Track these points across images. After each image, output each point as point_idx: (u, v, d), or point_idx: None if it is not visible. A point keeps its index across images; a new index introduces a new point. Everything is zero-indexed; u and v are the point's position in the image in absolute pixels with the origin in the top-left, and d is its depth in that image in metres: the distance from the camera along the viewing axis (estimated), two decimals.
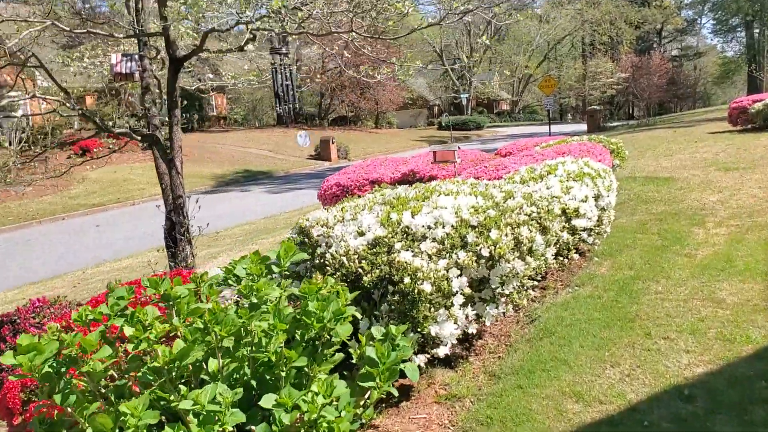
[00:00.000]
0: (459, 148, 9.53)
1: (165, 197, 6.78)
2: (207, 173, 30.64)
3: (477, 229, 4.69)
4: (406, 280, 4.32)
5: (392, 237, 4.64)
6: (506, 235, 4.64)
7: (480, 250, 4.52)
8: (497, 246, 4.54)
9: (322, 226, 5.11)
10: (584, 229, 6.63)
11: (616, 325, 5.28)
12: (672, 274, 6.44)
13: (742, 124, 19.29)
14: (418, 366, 4.34)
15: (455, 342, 4.49)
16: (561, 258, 6.61)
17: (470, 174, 8.93)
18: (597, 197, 7.02)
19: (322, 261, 4.77)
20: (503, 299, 4.80)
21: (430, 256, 4.52)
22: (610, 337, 5.08)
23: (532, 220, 5.07)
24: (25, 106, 34.13)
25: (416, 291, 4.27)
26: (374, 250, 4.64)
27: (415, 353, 4.38)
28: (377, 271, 4.47)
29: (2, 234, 20.43)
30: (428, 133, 48.23)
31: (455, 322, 4.41)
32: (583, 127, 40.53)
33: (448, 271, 4.42)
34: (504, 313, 4.84)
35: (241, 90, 53.51)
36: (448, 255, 4.51)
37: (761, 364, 4.42)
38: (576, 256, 6.97)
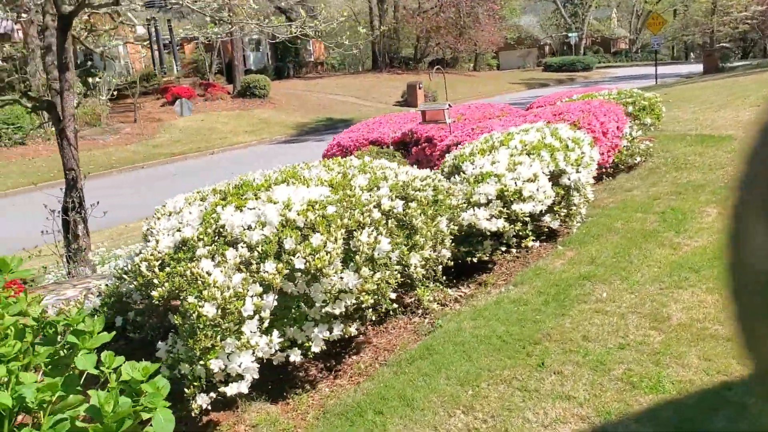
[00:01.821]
0: (449, 106, 8.32)
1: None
2: (290, 122, 30.32)
3: (303, 232, 3.71)
4: (190, 299, 3.44)
5: (201, 239, 3.75)
6: (335, 240, 3.64)
7: (294, 260, 3.55)
8: (316, 256, 3.54)
9: (159, 219, 4.29)
10: (530, 215, 5.42)
11: (512, 348, 4.18)
12: (634, 274, 5.16)
13: None
14: (205, 408, 3.49)
15: (256, 377, 3.57)
16: (500, 251, 5.48)
17: (455, 138, 7.77)
18: (558, 174, 5.75)
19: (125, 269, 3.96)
20: (338, 320, 3.81)
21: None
22: (490, 366, 4.00)
23: (390, 217, 4.01)
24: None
25: (196, 314, 3.38)
26: (177, 255, 3.78)
27: (205, 391, 3.51)
28: (169, 284, 3.61)
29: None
30: (529, 76, 45.68)
31: (254, 352, 3.50)
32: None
33: (246, 289, 3.49)
34: (343, 334, 3.86)
35: (340, 34, 52.79)
36: (257, 265, 3.58)
37: (648, 430, 3.25)
38: (535, 244, 5.80)
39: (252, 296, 3.46)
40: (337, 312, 3.67)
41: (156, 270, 3.74)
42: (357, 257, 3.69)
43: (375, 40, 44.18)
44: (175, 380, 3.57)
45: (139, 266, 3.78)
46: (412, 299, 5.07)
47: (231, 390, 3.45)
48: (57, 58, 5.52)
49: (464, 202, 5.37)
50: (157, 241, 3.87)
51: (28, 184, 20.32)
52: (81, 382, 3.31)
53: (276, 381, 4.08)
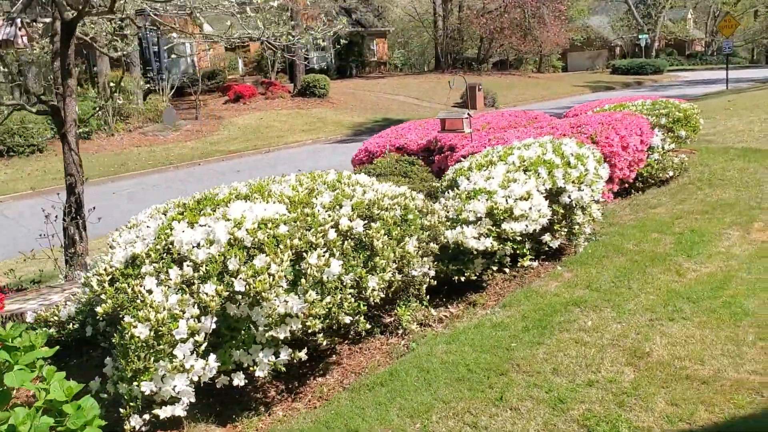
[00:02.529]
0: (469, 115, 8.06)
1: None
2: (347, 121, 30.39)
3: (251, 252, 3.61)
4: (127, 318, 3.39)
5: (148, 255, 3.69)
6: (280, 262, 3.52)
7: (235, 282, 3.45)
8: (258, 278, 3.43)
9: (121, 231, 4.26)
10: (522, 234, 5.17)
11: (476, 378, 3.97)
12: (628, 302, 4.85)
13: None
14: (139, 430, 3.42)
15: (192, 400, 3.48)
16: (492, 270, 5.26)
17: (472, 148, 7.55)
18: (557, 192, 5.47)
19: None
20: (284, 345, 3.69)
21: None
22: (448, 397, 3.81)
23: (348, 238, 3.85)
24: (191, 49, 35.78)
25: (129, 335, 3.32)
26: (127, 270, 3.74)
27: (140, 412, 3.43)
28: (113, 301, 3.57)
29: (139, 177, 21.35)
30: (595, 78, 44.45)
31: (190, 376, 3.41)
32: None
33: (183, 310, 3.41)
34: (291, 359, 3.72)
35: (407, 33, 52.66)
36: (198, 285, 3.49)
37: None
38: (533, 264, 5.55)
39: (188, 318, 3.37)
40: (281, 336, 3.55)
41: (105, 285, 3.70)
42: (303, 280, 3.55)
43: (438, 41, 43.91)
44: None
45: (90, 280, 3.74)
46: (393, 319, 4.90)
47: (164, 413, 3.37)
48: (60, 64, 5.58)
49: (450, 220, 5.17)
50: (112, 256, 3.84)
51: (88, 178, 20.89)
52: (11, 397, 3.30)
53: (229, 402, 3.99)
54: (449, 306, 5.24)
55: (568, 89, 38.96)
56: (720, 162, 9.07)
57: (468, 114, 7.96)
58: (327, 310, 3.63)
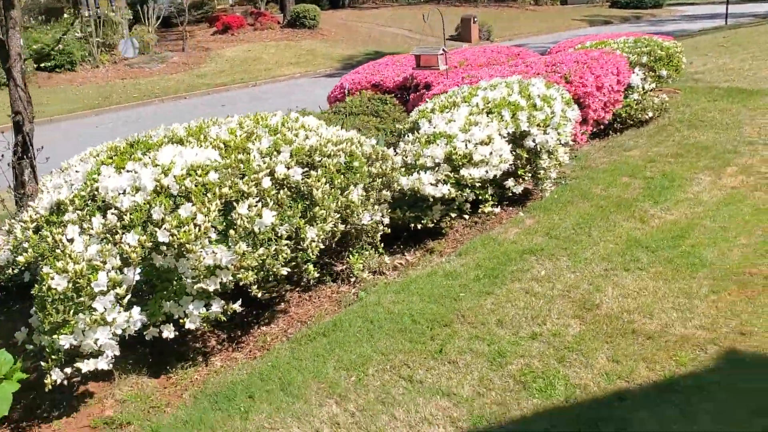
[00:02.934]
0: (444, 51, 7.75)
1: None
2: (337, 54, 29.73)
3: (177, 201, 3.43)
4: (45, 269, 3.23)
5: (72, 202, 3.52)
6: (207, 212, 3.35)
7: (158, 233, 3.28)
8: (182, 229, 3.27)
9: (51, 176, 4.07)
10: (482, 180, 4.99)
11: (418, 330, 3.87)
12: (585, 251, 4.71)
13: None
14: (67, 383, 3.30)
15: (116, 353, 3.35)
16: (450, 217, 5.10)
17: (444, 87, 7.28)
18: (522, 136, 5.26)
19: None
20: (216, 296, 3.55)
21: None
22: (387, 349, 3.71)
23: (284, 187, 3.66)
24: None
25: (46, 287, 3.18)
26: (52, 218, 3.57)
27: (61, 366, 3.30)
28: (34, 250, 3.41)
29: (123, 111, 20.94)
30: (594, 12, 43.29)
31: (111, 328, 3.27)
32: None
33: (105, 262, 3.25)
34: (224, 311, 3.58)
35: None
36: (121, 236, 3.33)
37: None
38: (495, 210, 5.39)
39: (110, 270, 3.22)
40: (211, 289, 3.41)
41: (30, 232, 3.53)
42: (232, 231, 3.38)
43: None
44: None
45: (14, 227, 3.58)
46: (346, 266, 4.76)
47: (87, 366, 3.25)
48: None
49: (408, 165, 4.98)
50: (39, 201, 3.66)
51: (71, 111, 20.61)
52: None
53: (168, 352, 3.88)
54: (406, 253, 5.10)
55: (566, 23, 38.02)
56: (703, 102, 8.80)
57: (443, 50, 7.65)
58: (261, 261, 3.48)
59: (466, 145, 4.88)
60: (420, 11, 40.37)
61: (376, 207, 4.48)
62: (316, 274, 4.14)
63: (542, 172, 5.51)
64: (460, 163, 4.86)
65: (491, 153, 4.94)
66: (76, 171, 3.77)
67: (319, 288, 4.63)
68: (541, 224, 5.26)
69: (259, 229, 3.45)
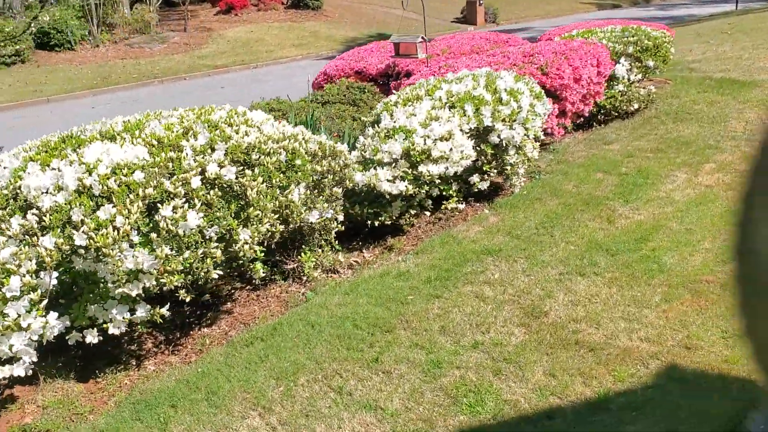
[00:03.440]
0: (423, 39, 7.54)
1: None
2: (340, 36, 29.45)
3: (99, 201, 3.29)
4: None
5: None
6: (128, 214, 3.20)
7: (75, 236, 3.15)
8: (99, 232, 3.13)
9: None
10: (442, 177, 4.83)
11: (358, 336, 3.73)
12: (544, 252, 4.55)
13: None
14: None
15: (34, 360, 3.23)
16: (410, 213, 4.95)
17: (422, 76, 7.09)
18: (484, 131, 5.09)
19: None
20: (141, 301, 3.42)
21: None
22: (322, 356, 3.57)
23: (215, 187, 3.51)
24: None
25: None
26: None
27: None
28: None
29: (121, 92, 20.84)
30: None
31: (27, 333, 3.15)
32: None
33: (20, 266, 3.12)
34: (150, 316, 3.45)
35: None
36: (40, 237, 3.20)
37: None
38: (460, 206, 5.23)
39: (24, 274, 3.09)
40: (134, 293, 3.28)
41: None
42: (154, 235, 3.24)
43: None
44: None
45: None
46: (297, 264, 4.62)
47: (2, 373, 3.14)
48: None
49: (366, 161, 4.82)
50: None
51: (69, 91, 20.53)
52: None
53: (101, 355, 3.76)
54: (365, 251, 4.96)
55: (575, 5, 37.51)
56: (692, 94, 8.56)
57: (422, 38, 7.44)
58: (188, 265, 3.34)
59: (425, 140, 4.71)
60: None
61: (326, 205, 4.33)
62: (263, 273, 4.01)
63: (509, 168, 5.34)
64: (419, 159, 4.69)
65: (451, 149, 4.77)
66: (4, 167, 3.64)
67: (269, 287, 4.50)
68: (505, 222, 5.10)
69: (183, 231, 3.30)
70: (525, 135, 5.25)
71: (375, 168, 4.70)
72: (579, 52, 6.48)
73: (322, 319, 3.93)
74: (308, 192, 3.99)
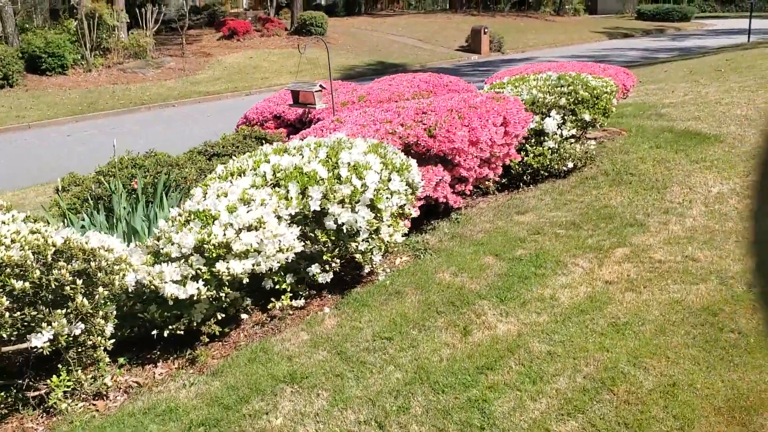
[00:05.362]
0: (322, 88, 6.54)
1: None
2: (339, 64, 28.69)
3: None
4: None
5: None
6: None
7: None
8: None
9: None
10: (252, 275, 3.80)
11: None
12: (358, 383, 3.49)
13: None
14: None
15: None
16: (218, 318, 3.92)
17: (322, 125, 6.09)
18: (314, 215, 4.05)
19: None
20: None
21: None
22: None
23: None
24: None
25: None
26: None
27: None
28: None
29: (104, 119, 20.16)
30: (615, 24, 41.38)
31: None
32: None
33: None
34: None
35: None
36: None
37: None
38: (298, 302, 4.21)
39: None
40: None
41: None
42: None
43: None
44: None
45: None
46: (49, 390, 3.60)
47: None
48: None
49: (155, 252, 3.82)
50: None
51: (52, 117, 20.03)
52: None
53: None
54: (160, 363, 3.94)
55: (584, 35, 36.42)
56: (643, 149, 7.42)
57: (320, 86, 6.44)
58: None
59: (225, 231, 3.69)
60: (435, 20, 39.25)
61: (71, 318, 3.32)
62: None
63: (359, 255, 4.29)
64: (215, 255, 3.66)
65: (261, 240, 3.73)
66: None
67: (7, 421, 3.48)
68: (341, 329, 4.05)
69: None
70: (376, 217, 4.20)
71: (161, 264, 3.68)
72: (480, 110, 5.42)
73: None
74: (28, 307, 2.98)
